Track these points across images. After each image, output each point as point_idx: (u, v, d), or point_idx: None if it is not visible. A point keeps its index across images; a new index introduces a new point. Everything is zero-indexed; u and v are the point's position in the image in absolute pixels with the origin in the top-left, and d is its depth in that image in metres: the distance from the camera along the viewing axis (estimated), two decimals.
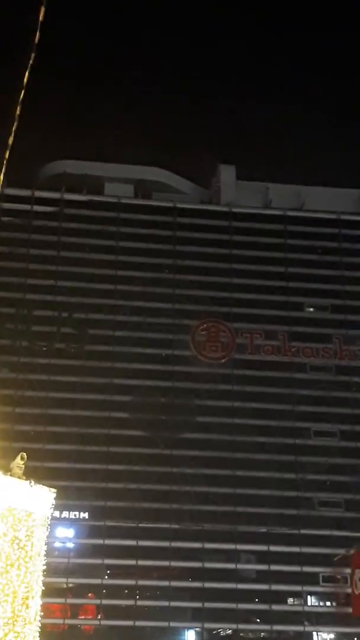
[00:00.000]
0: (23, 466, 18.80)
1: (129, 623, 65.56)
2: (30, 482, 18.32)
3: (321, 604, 71.06)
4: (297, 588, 69.39)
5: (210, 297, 78.26)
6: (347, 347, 78.62)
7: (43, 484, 18.92)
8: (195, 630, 68.52)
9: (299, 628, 68.35)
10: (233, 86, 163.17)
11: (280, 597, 69.70)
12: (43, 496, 18.73)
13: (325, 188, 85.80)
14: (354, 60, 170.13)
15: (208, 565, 68.87)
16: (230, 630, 68.18)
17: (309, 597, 70.62)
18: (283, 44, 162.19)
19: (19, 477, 18.37)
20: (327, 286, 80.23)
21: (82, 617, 68.52)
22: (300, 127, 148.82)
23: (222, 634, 69.01)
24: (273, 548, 69.30)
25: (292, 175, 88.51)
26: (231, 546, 69.52)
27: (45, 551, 18.82)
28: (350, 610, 67.08)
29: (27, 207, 79.41)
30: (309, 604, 70.25)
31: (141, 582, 67.90)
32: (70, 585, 66.94)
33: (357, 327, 79.19)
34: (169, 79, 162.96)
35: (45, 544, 18.82)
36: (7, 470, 18.35)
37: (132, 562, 67.63)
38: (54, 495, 19.09)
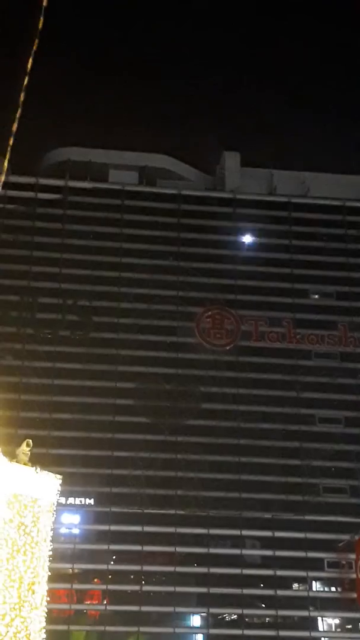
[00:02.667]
0: (29, 453, 18.92)
1: (135, 608, 65.97)
2: (36, 469, 18.43)
3: (326, 589, 71.39)
4: (302, 574, 69.70)
5: (215, 284, 78.15)
6: (352, 334, 78.50)
7: (49, 471, 19.03)
8: (200, 616, 68.93)
9: (304, 613, 68.71)
10: (237, 72, 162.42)
11: (285, 583, 70.06)
12: (49, 482, 18.84)
13: (330, 174, 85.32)
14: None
15: (213, 550, 69.23)
16: (235, 616, 68.59)
17: (314, 582, 70.92)
18: (287, 29, 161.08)
19: (24, 464, 18.49)
20: (332, 273, 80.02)
21: (88, 602, 68.93)
22: (305, 113, 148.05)
23: (227, 619, 69.41)
24: (278, 534, 69.57)
25: (297, 161, 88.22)
26: (236, 532, 69.80)
27: (51, 537, 18.94)
28: (355, 595, 67.46)
29: (31, 194, 79.26)
30: (314, 589, 70.55)
31: (147, 568, 68.26)
32: (76, 570, 67.37)
33: None
34: (173, 65, 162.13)
35: (51, 530, 18.94)
36: (13, 457, 18.46)
37: (137, 547, 68.00)
38: (60, 481, 19.20)
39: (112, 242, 78.79)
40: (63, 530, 66.45)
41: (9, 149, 20.18)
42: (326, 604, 69.90)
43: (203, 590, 67.91)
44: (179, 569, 68.30)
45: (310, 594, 69.76)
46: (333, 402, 74.92)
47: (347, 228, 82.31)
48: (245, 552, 70.49)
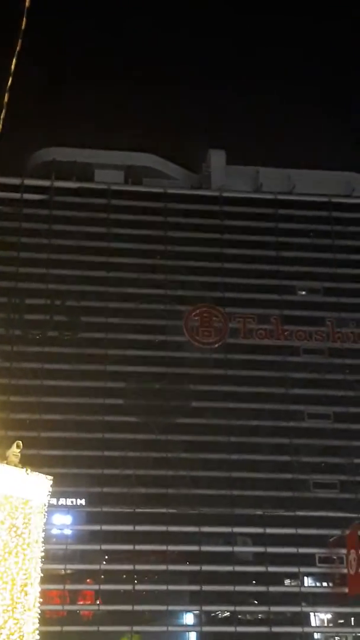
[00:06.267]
0: (19, 454, 18.88)
1: (128, 607, 65.99)
2: (27, 470, 18.40)
3: (318, 584, 71.68)
4: (294, 569, 69.95)
5: (203, 283, 78.21)
6: (339, 329, 78.80)
7: (39, 472, 19.01)
8: (193, 613, 69.04)
9: (296, 609, 68.94)
10: (222, 71, 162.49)
11: (277, 579, 70.24)
12: (40, 484, 18.81)
13: (315, 171, 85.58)
14: (343, 43, 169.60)
15: (205, 548, 69.31)
16: (228, 612, 68.73)
17: (305, 578, 71.19)
18: (270, 27, 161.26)
19: (15, 465, 18.46)
20: (319, 269, 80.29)
21: (81, 602, 68.90)
22: (290, 110, 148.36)
23: (220, 616, 69.54)
24: (269, 530, 69.77)
25: (282, 158, 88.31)
26: (228, 529, 69.93)
27: (43, 538, 18.92)
28: (346, 590, 67.78)
29: (17, 195, 79.02)
30: (305, 584, 70.82)
31: (139, 567, 68.28)
32: (69, 571, 67.31)
33: (350, 310, 79.36)
34: (157, 64, 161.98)
35: (43, 531, 18.92)
36: (4, 458, 18.44)
37: (129, 547, 68.00)
38: (51, 482, 19.18)
39: (99, 241, 78.66)
40: (55, 531, 66.37)
41: None
42: (318, 599, 70.21)
43: (195, 588, 68.02)
44: (171, 567, 68.37)
45: (302, 589, 70.05)
46: (322, 398, 75.19)
47: (333, 224, 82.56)
48: (237, 549, 70.67)
